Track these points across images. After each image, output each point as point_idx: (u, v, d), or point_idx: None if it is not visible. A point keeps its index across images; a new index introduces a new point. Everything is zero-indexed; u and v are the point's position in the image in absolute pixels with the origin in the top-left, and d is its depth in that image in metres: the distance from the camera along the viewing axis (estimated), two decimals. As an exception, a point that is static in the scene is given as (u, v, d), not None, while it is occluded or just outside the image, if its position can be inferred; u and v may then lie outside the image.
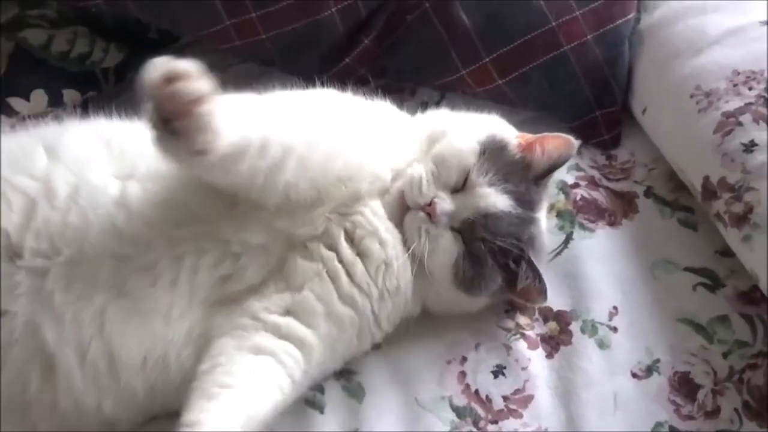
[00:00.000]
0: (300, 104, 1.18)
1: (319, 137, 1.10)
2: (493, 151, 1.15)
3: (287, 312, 1.12)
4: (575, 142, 1.18)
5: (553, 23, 1.36)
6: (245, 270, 1.12)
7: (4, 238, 1.11)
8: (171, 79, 0.94)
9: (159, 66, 0.94)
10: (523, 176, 1.16)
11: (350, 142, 1.13)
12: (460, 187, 1.14)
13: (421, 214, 1.13)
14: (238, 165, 1.03)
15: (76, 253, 1.10)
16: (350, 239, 1.14)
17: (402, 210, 1.15)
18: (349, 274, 1.13)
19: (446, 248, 1.14)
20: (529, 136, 1.19)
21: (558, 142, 1.18)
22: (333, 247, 1.14)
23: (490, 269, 1.15)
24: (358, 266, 1.13)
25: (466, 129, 1.18)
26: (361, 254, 1.14)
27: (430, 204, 1.13)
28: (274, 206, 1.10)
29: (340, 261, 1.13)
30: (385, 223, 1.15)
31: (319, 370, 1.14)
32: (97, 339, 1.09)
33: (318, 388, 1.17)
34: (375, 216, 1.14)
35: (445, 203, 1.13)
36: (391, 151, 1.17)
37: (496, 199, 1.13)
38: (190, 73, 0.95)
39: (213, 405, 1.05)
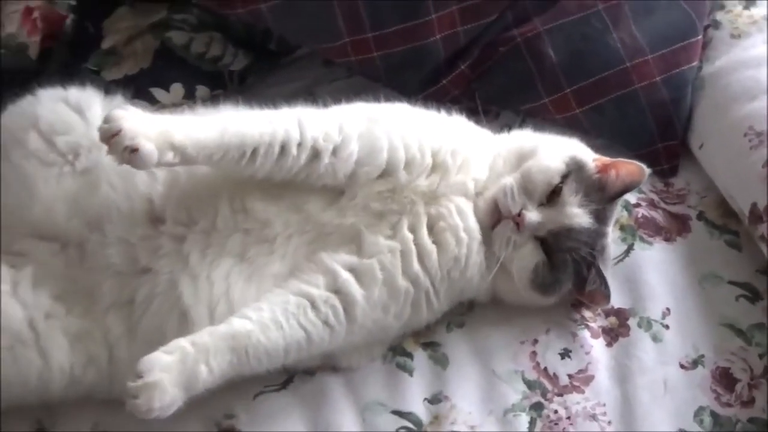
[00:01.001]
0: (374, 110, 1.37)
1: (357, 131, 1.29)
2: (576, 171, 1.33)
3: (349, 268, 1.29)
4: (647, 170, 1.35)
5: (628, 64, 1.56)
6: (332, 241, 1.30)
7: (149, 205, 1.32)
8: (105, 122, 1.21)
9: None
10: (600, 195, 1.34)
11: (402, 136, 1.30)
12: (545, 200, 1.31)
13: (511, 224, 1.30)
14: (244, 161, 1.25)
15: (210, 224, 1.30)
16: (431, 227, 1.32)
17: (492, 216, 1.32)
18: (420, 256, 1.31)
19: (528, 256, 1.32)
20: (605, 159, 1.38)
21: (631, 168, 1.36)
22: (414, 229, 1.31)
23: (566, 275, 1.32)
24: (433, 254, 1.31)
25: (554, 149, 1.36)
26: (437, 243, 1.31)
27: (519, 214, 1.31)
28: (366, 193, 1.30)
29: (416, 243, 1.31)
30: (468, 222, 1.32)
31: (376, 327, 1.30)
32: (224, 298, 1.28)
33: (408, 355, 1.36)
34: (459, 213, 1.32)
35: (533, 215, 1.30)
36: (466, 155, 1.34)
37: (582, 219, 1.31)
38: (110, 117, 1.19)
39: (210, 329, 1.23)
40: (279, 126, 1.27)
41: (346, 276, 1.28)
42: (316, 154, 1.27)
